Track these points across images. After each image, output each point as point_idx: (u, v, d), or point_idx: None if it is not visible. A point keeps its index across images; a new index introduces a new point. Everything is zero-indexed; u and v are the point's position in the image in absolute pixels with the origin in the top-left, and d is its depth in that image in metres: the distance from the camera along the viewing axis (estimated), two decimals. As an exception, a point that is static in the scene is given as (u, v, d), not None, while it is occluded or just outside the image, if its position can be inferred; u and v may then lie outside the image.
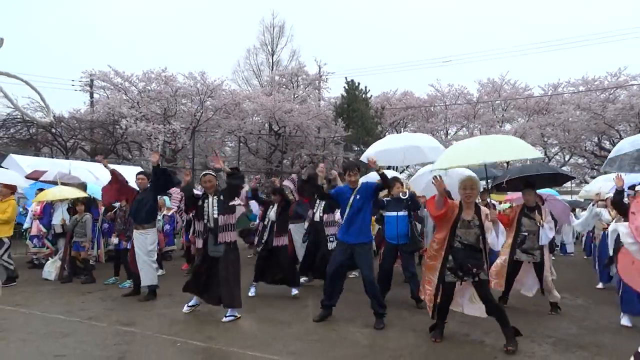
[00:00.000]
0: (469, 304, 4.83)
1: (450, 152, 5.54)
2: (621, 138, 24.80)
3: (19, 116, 17.81)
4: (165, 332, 4.97)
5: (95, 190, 8.88)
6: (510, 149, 5.06)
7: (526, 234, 6.03)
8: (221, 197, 5.67)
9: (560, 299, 6.13)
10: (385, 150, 7.68)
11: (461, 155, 5.20)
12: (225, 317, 5.45)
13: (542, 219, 5.96)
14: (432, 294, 4.66)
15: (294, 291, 6.82)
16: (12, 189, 7.91)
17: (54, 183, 9.19)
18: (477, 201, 4.73)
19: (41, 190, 9.36)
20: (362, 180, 5.98)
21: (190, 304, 5.88)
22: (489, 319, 4.66)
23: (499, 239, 4.58)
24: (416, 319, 5.65)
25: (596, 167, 25.01)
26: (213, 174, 5.97)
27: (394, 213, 6.26)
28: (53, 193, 8.40)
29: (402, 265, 6.50)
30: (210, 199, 5.68)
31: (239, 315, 5.53)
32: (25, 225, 9.81)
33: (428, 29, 65.76)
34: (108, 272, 8.36)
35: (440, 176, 4.63)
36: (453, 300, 4.77)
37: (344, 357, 4.31)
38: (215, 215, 5.57)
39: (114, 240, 7.67)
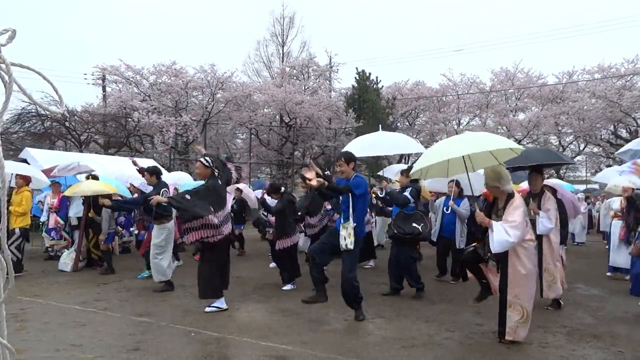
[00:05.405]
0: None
1: (430, 152, 5.35)
2: (638, 126, 24.40)
3: (33, 110, 18.01)
4: (179, 322, 5.03)
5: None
6: (493, 140, 4.93)
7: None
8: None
9: (563, 292, 5.89)
10: (369, 144, 8.35)
11: (441, 152, 4.97)
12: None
13: (537, 207, 5.64)
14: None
15: (286, 287, 6.82)
16: (26, 180, 7.99)
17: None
18: (511, 191, 4.46)
19: (55, 182, 9.48)
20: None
21: None
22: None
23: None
24: (428, 310, 5.65)
25: (612, 156, 24.59)
26: (202, 161, 5.60)
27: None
28: (84, 188, 8.31)
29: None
30: None
31: (224, 307, 5.51)
32: (42, 219, 9.94)
33: (439, 18, 64.95)
34: (122, 264, 8.47)
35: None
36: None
37: (357, 347, 4.32)
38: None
39: (135, 230, 7.72)
